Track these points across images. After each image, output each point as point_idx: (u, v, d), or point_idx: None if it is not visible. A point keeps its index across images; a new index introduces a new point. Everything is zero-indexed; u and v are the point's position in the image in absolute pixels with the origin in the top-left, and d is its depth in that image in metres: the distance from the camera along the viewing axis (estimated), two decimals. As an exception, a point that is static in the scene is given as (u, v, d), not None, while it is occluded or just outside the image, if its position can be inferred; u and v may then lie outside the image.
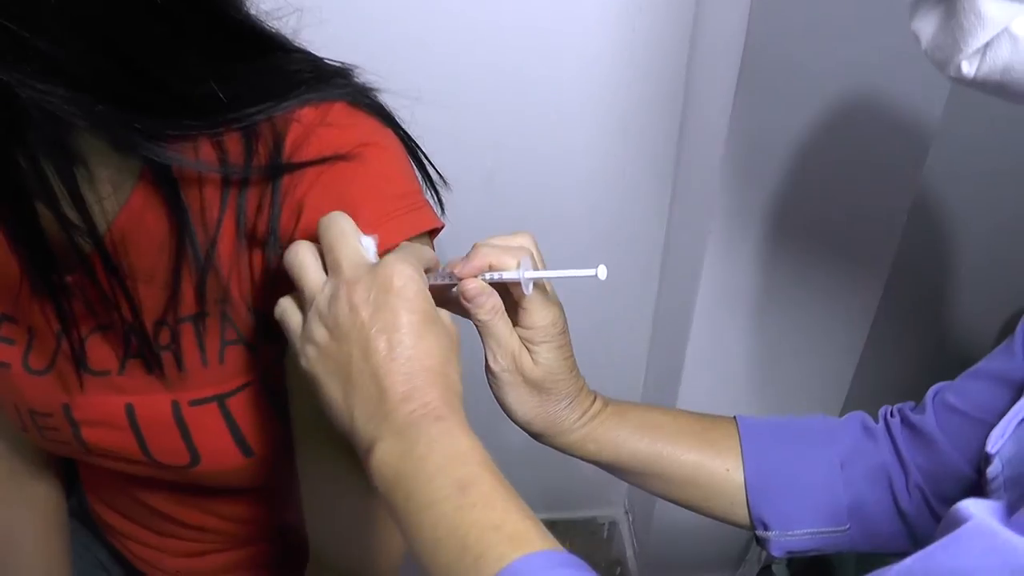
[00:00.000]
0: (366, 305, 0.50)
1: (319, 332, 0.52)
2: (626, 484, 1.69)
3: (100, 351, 0.67)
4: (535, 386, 0.63)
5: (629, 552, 1.68)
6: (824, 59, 0.99)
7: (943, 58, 0.50)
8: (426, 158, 0.68)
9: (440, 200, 0.69)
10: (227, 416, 0.67)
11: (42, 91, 0.48)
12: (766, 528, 0.69)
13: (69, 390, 0.69)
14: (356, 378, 0.50)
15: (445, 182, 0.69)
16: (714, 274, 1.17)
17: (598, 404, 0.69)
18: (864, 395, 1.41)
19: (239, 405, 0.67)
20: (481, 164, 1.21)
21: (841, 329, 1.27)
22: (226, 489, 0.75)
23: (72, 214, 0.54)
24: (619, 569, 1.68)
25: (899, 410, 0.71)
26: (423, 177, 0.68)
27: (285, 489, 0.76)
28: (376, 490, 0.64)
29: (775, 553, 0.69)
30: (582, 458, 0.69)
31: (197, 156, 0.58)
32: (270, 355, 0.66)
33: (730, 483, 0.69)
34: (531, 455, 1.60)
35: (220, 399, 0.66)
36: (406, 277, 0.51)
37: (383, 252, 0.59)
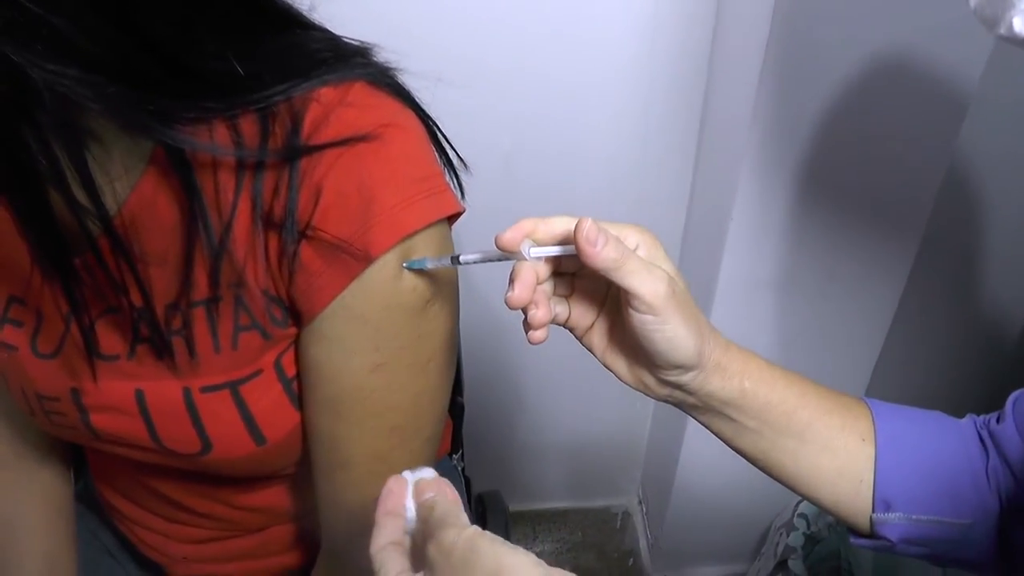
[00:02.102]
0: None
1: None
2: (640, 473, 1.70)
3: (109, 335, 0.66)
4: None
5: (642, 542, 1.67)
6: (853, 31, 0.96)
7: (993, 15, 0.47)
8: (447, 140, 0.67)
9: (460, 184, 0.68)
10: (240, 403, 0.65)
11: (54, 72, 0.47)
12: (888, 509, 0.63)
13: (77, 375, 0.67)
14: None
15: (466, 165, 0.68)
16: (735, 261, 1.16)
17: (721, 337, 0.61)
18: (886, 384, 1.39)
19: (252, 392, 0.65)
20: (498, 147, 1.20)
21: (864, 316, 1.26)
22: (236, 477, 0.74)
23: (82, 196, 0.53)
24: (632, 559, 1.67)
25: (985, 422, 0.67)
26: (443, 160, 0.66)
27: (296, 477, 0.75)
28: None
29: (892, 538, 0.64)
30: (695, 398, 0.61)
31: (212, 138, 0.57)
32: (285, 340, 0.65)
33: (864, 455, 0.64)
34: (545, 445, 1.61)
35: (233, 386, 0.65)
36: None
37: (405, 236, 0.59)
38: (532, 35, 1.11)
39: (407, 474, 0.53)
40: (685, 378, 0.58)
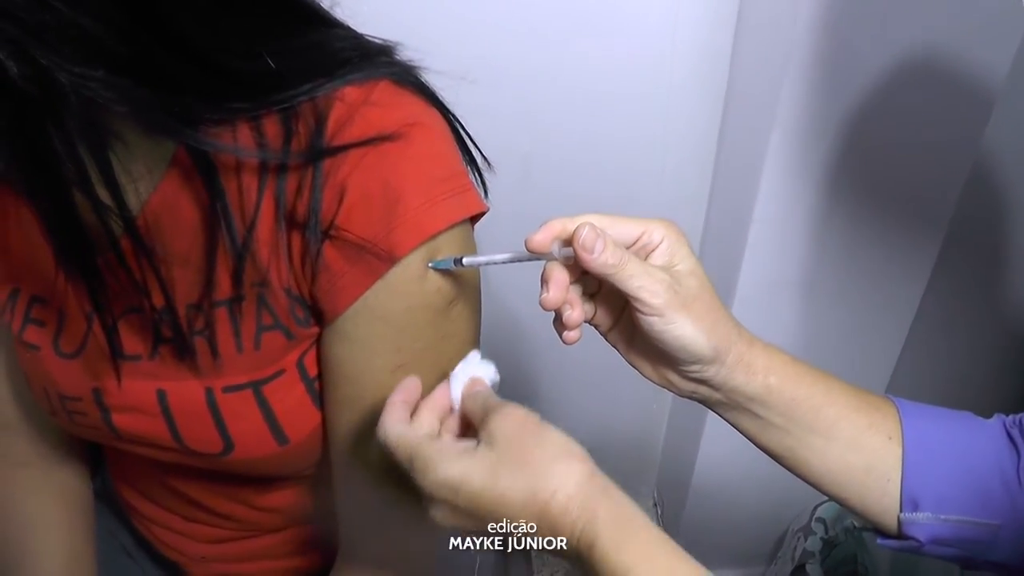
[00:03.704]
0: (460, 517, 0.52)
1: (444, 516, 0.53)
2: (655, 475, 1.68)
3: (131, 335, 0.66)
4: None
5: (657, 544, 1.65)
6: (878, 31, 0.95)
7: None
8: (470, 139, 0.66)
9: (484, 182, 0.67)
10: (262, 403, 0.65)
11: (80, 74, 0.46)
12: (916, 508, 0.63)
13: (99, 375, 0.67)
14: None
15: (489, 164, 0.67)
16: (756, 262, 1.15)
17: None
18: (907, 385, 1.38)
19: (275, 392, 0.65)
20: (517, 148, 1.19)
21: (886, 316, 1.25)
22: (257, 477, 0.74)
23: (105, 196, 0.53)
24: (646, 562, 1.65)
25: (1015, 421, 0.66)
26: (466, 159, 0.66)
27: (315, 478, 0.75)
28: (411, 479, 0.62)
29: (921, 538, 0.63)
30: (720, 394, 0.61)
31: (235, 140, 0.56)
32: (308, 340, 0.65)
33: (891, 454, 0.63)
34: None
35: (255, 386, 0.65)
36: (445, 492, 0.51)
37: (430, 237, 0.58)
38: (551, 36, 1.10)
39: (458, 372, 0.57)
40: (707, 373, 0.59)
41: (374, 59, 0.62)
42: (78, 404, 0.69)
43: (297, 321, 0.63)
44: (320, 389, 0.67)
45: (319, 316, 0.63)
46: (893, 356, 1.31)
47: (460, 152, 0.65)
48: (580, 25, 1.10)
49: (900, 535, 0.64)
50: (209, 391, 0.65)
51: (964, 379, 1.47)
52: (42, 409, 0.73)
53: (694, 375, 0.59)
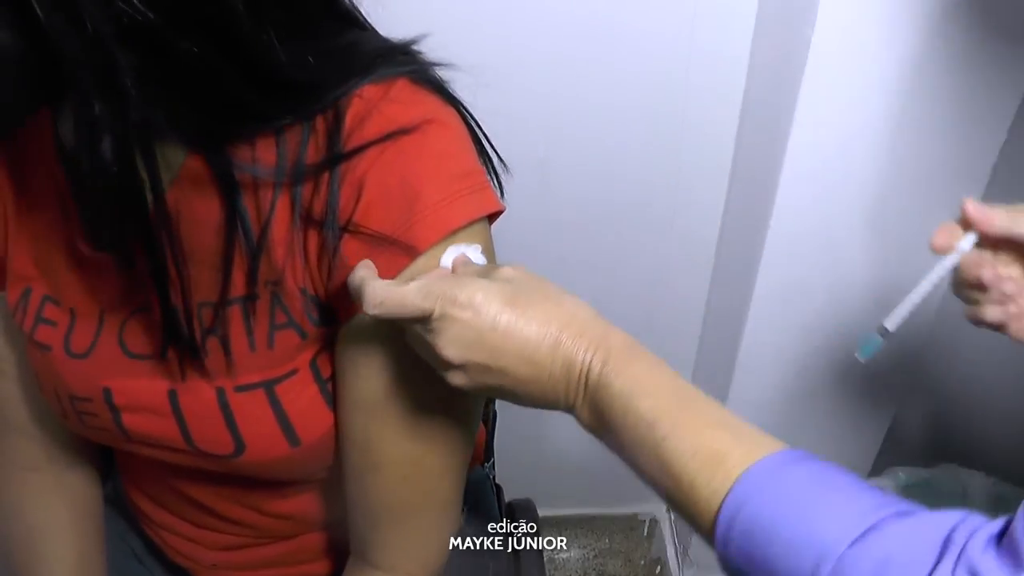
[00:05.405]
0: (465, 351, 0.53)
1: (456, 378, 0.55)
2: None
3: (141, 334, 0.66)
4: None
5: (670, 550, 1.65)
6: (898, 33, 0.95)
7: None
8: (487, 140, 0.66)
9: (500, 183, 0.67)
10: (274, 403, 0.64)
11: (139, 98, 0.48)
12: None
13: (109, 375, 0.67)
14: (514, 392, 0.54)
15: (505, 165, 0.67)
16: (771, 272, 1.14)
17: None
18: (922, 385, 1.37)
19: (288, 392, 0.64)
20: (533, 150, 1.18)
21: (905, 326, 1.23)
22: (268, 481, 0.73)
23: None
24: (659, 567, 1.65)
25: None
26: (482, 159, 0.66)
27: (327, 484, 0.75)
28: (422, 483, 0.64)
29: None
30: None
31: (254, 147, 0.57)
32: (321, 340, 0.64)
33: None
34: (572, 450, 1.60)
35: (268, 385, 0.64)
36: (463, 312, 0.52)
37: (450, 232, 0.58)
38: (567, 41, 1.10)
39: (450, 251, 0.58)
40: None
41: (393, 57, 0.62)
42: (88, 405, 0.69)
43: (312, 320, 0.63)
44: (333, 390, 0.66)
45: (334, 316, 0.63)
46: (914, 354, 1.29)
47: (476, 151, 0.65)
48: (597, 30, 1.10)
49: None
50: (220, 391, 0.65)
51: (984, 379, 1.46)
52: (53, 412, 0.73)
53: None
